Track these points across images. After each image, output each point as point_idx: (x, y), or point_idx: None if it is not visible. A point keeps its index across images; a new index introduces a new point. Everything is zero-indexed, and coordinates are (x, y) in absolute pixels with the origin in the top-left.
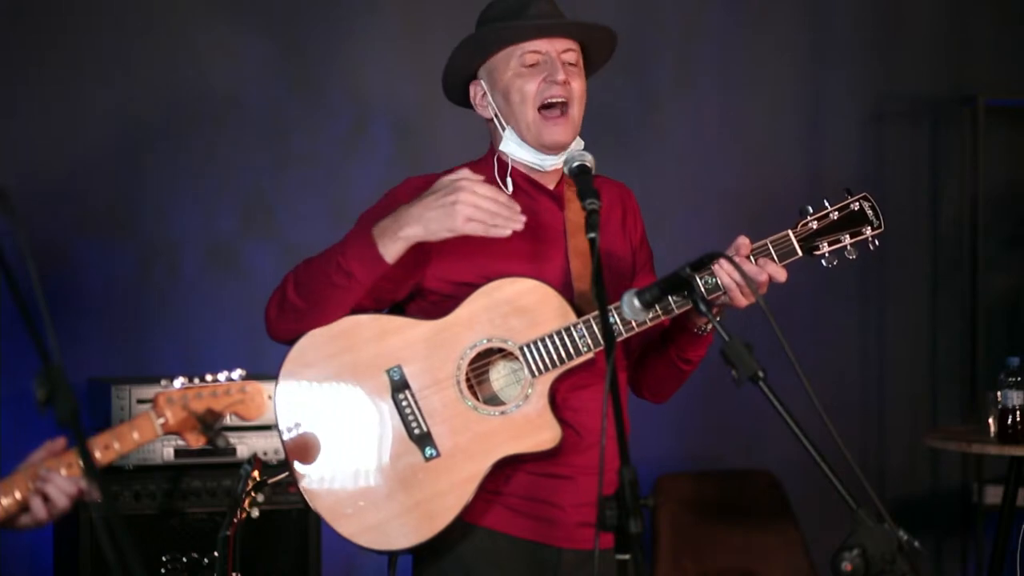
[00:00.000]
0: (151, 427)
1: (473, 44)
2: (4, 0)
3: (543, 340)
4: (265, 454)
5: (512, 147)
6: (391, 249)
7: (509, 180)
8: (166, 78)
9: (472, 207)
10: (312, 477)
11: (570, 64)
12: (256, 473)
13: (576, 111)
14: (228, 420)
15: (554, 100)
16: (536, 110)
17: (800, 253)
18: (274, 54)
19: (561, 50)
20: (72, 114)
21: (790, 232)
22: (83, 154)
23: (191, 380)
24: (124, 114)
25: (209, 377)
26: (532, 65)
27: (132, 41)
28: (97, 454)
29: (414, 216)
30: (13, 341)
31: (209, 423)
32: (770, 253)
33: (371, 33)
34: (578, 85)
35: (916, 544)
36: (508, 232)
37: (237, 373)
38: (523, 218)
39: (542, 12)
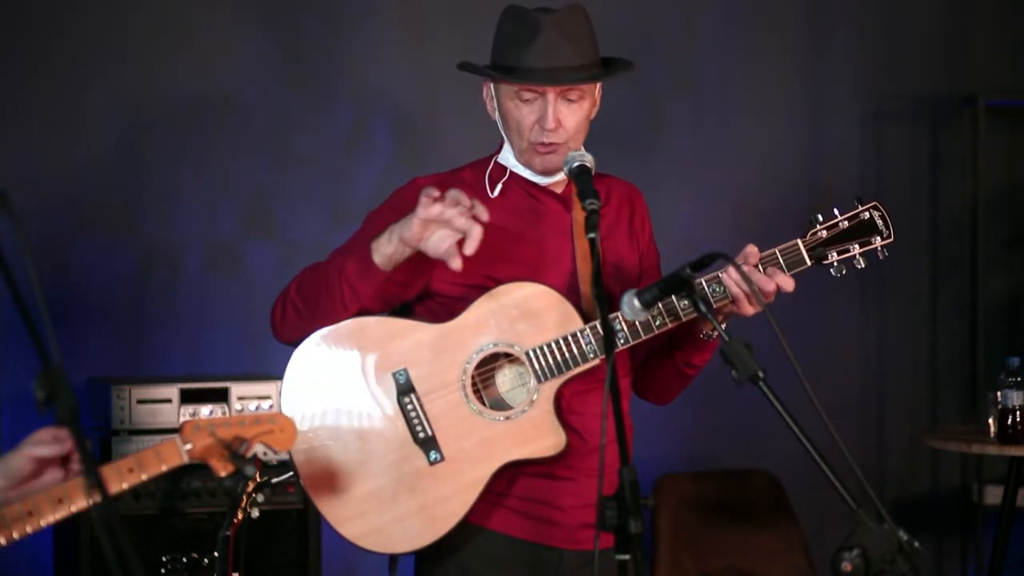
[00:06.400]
0: (177, 453)
1: (475, 71)
2: (4, 1)
3: (549, 346)
4: (265, 454)
5: (511, 161)
6: (388, 261)
7: (499, 186)
8: (166, 78)
9: (424, 217)
10: (316, 479)
11: (569, 100)
12: (256, 473)
13: (573, 143)
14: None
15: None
16: (528, 142)
17: (809, 263)
18: (274, 54)
19: (559, 90)
20: (73, 114)
21: (799, 241)
22: (84, 154)
23: (222, 413)
24: (124, 114)
25: (238, 406)
26: (527, 100)
27: (132, 41)
28: (118, 479)
29: (392, 232)
30: (13, 341)
31: (235, 450)
32: (779, 262)
33: (371, 33)
34: (574, 120)
35: (916, 544)
36: (479, 224)
37: (268, 405)
38: (483, 208)
39: (547, 46)
